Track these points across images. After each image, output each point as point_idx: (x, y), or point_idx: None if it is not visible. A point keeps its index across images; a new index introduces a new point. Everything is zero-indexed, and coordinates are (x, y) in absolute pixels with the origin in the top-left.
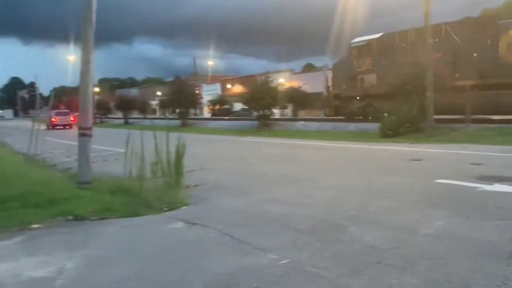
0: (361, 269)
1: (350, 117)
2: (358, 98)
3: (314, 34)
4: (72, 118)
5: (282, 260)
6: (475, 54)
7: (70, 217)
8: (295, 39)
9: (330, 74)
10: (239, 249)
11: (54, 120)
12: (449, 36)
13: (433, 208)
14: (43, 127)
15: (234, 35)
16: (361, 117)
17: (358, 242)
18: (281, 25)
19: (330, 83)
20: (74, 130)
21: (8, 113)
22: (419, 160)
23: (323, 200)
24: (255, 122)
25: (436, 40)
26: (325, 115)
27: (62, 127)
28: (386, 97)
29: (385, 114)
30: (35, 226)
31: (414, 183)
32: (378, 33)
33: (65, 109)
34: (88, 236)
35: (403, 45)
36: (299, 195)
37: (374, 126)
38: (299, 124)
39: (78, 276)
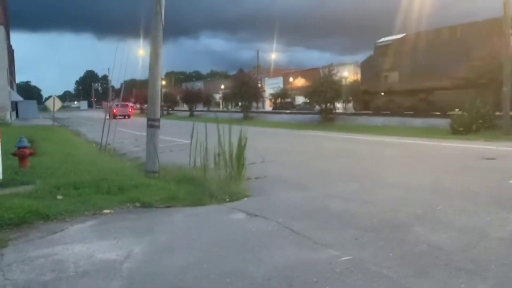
0: (427, 271)
1: (377, 112)
2: (382, 94)
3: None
4: (130, 110)
5: (343, 257)
6: None
7: (138, 204)
8: (361, 31)
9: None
10: (299, 243)
11: (115, 111)
12: None
13: (507, 211)
14: (106, 116)
15: (298, 28)
16: (388, 112)
17: (424, 242)
18: (346, 16)
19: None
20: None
21: (83, 104)
22: (493, 159)
23: (387, 198)
24: (317, 116)
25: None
26: (354, 109)
27: (122, 117)
28: (407, 93)
29: (457, 110)
30: (106, 211)
31: (486, 183)
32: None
33: (134, 101)
34: (154, 223)
35: (423, 45)
36: (362, 191)
37: (443, 122)
38: (363, 119)
39: (145, 260)
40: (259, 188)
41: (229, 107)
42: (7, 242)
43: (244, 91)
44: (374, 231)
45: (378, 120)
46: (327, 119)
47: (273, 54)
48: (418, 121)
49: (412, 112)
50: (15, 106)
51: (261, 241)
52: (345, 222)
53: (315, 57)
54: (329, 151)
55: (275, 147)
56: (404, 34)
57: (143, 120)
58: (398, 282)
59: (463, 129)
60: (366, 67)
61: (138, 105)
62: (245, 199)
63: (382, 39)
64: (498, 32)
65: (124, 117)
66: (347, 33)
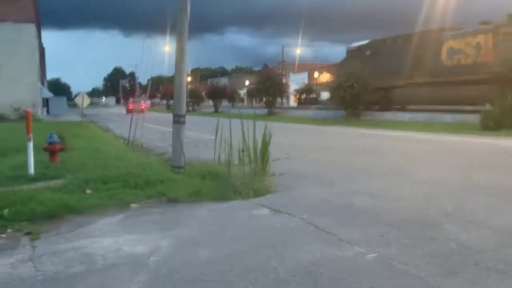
0: (456, 270)
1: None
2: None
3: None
4: (143, 106)
5: (369, 254)
6: None
7: (164, 199)
8: (385, 25)
9: None
10: (324, 239)
11: (130, 107)
12: None
13: None
14: (123, 111)
15: (323, 22)
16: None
17: (453, 241)
18: (371, 10)
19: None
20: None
21: (111, 100)
22: None
23: (415, 195)
24: (342, 112)
25: None
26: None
27: (136, 113)
28: (372, 91)
29: (487, 105)
30: (134, 205)
31: None
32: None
33: (160, 97)
34: (180, 217)
35: (383, 50)
36: (388, 188)
37: (474, 118)
38: (390, 114)
39: (171, 254)
40: (283, 184)
41: (254, 103)
42: (38, 234)
43: (268, 86)
44: (401, 229)
45: (405, 116)
46: (353, 115)
47: (298, 49)
48: (447, 117)
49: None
50: (46, 102)
51: (285, 237)
52: (371, 219)
53: (340, 52)
54: (355, 147)
55: (299, 143)
56: (369, 40)
57: (169, 116)
58: (425, 281)
59: (494, 125)
60: (340, 67)
61: (164, 101)
62: (269, 195)
63: (353, 44)
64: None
65: (138, 112)
66: (372, 27)
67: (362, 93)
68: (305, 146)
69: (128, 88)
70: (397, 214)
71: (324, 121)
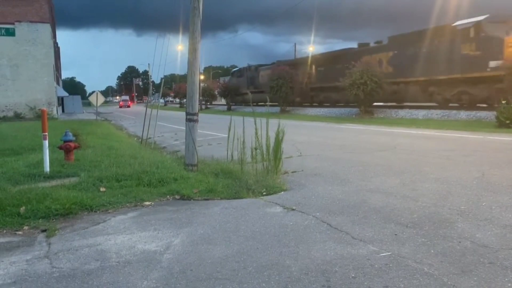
0: (470, 269)
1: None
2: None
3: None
4: (129, 103)
5: (382, 253)
6: None
7: (177, 197)
8: (398, 22)
9: None
10: (337, 238)
11: (121, 104)
12: None
13: None
14: (116, 107)
15: (336, 19)
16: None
17: (467, 239)
18: (383, 7)
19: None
20: (175, 114)
21: (125, 99)
22: None
23: (429, 193)
24: (356, 109)
25: None
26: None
27: (126, 107)
28: (318, 90)
29: (503, 101)
30: (147, 203)
31: None
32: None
33: (173, 96)
34: (193, 215)
35: (321, 62)
36: (402, 186)
37: (490, 115)
38: (404, 112)
39: (184, 252)
40: (296, 182)
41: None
42: (54, 231)
43: (280, 84)
44: (414, 227)
45: (420, 113)
46: (367, 112)
47: (311, 46)
48: (462, 114)
49: (456, 105)
50: (61, 101)
51: (298, 235)
52: (384, 217)
53: None
54: (368, 144)
55: (312, 141)
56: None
57: (182, 114)
58: (440, 279)
59: (511, 121)
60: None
61: (177, 100)
62: (282, 192)
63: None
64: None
65: (126, 107)
66: (384, 24)
67: (376, 90)
68: (318, 143)
69: (142, 86)
70: (411, 213)
71: (337, 119)
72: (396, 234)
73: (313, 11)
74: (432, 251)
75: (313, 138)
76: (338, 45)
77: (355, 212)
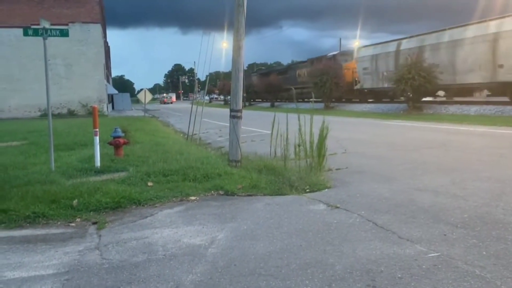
0: None
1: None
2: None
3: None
4: (173, 99)
5: (431, 253)
6: None
7: (221, 192)
8: (446, 14)
9: None
10: (383, 237)
11: (165, 100)
12: None
13: None
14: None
15: (382, 13)
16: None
17: None
18: None
19: None
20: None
21: (172, 96)
22: None
23: (481, 193)
24: (404, 105)
25: None
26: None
27: (169, 103)
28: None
29: None
30: (192, 198)
31: None
32: None
33: (218, 93)
34: (236, 211)
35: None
36: (452, 185)
37: None
38: (455, 107)
39: (228, 246)
40: (341, 179)
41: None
42: (104, 224)
43: (325, 80)
44: (465, 227)
45: (472, 109)
46: (415, 108)
47: (356, 41)
48: None
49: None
50: (111, 98)
51: (342, 234)
52: (433, 217)
53: None
54: (416, 141)
55: (357, 138)
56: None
57: (226, 111)
58: (492, 282)
59: None
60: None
61: (221, 97)
62: (326, 190)
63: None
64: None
65: (169, 103)
66: (432, 17)
67: (424, 86)
68: (363, 140)
69: (187, 84)
70: (461, 212)
71: (384, 115)
72: (445, 235)
73: (359, 4)
74: (484, 253)
75: (358, 135)
76: (385, 39)
77: (402, 211)
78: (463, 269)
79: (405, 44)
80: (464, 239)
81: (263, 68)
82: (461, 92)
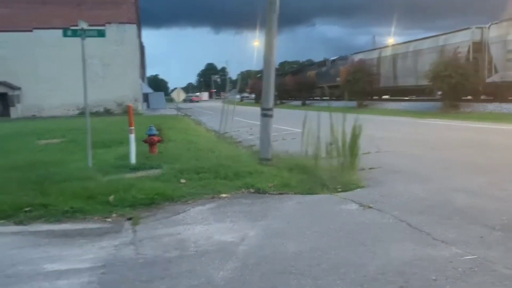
0: None
1: None
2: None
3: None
4: (200, 98)
5: (467, 256)
6: None
7: (252, 190)
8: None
9: None
10: (417, 238)
11: (194, 98)
12: None
13: None
14: (195, 103)
15: (417, 9)
16: None
17: None
18: None
19: None
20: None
21: (204, 95)
22: None
23: None
24: (440, 103)
25: None
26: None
27: (196, 102)
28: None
29: None
30: (224, 195)
31: None
32: None
33: (249, 91)
34: (267, 209)
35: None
36: (490, 186)
37: None
38: (493, 106)
39: (258, 244)
40: (374, 179)
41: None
42: (139, 220)
43: (358, 78)
44: (504, 230)
45: (511, 107)
46: (451, 106)
47: (391, 38)
48: None
49: None
50: (146, 97)
51: (374, 234)
52: (470, 219)
53: None
54: (453, 140)
55: (391, 136)
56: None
57: (256, 109)
58: None
59: None
60: None
61: (253, 95)
62: (358, 189)
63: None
64: None
65: (197, 102)
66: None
67: (462, 84)
68: (397, 139)
69: (219, 83)
70: (500, 215)
71: (419, 113)
72: (482, 237)
73: (393, 1)
74: None
75: (392, 134)
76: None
77: (437, 212)
78: (501, 272)
79: None
80: (503, 242)
81: (295, 66)
82: None
